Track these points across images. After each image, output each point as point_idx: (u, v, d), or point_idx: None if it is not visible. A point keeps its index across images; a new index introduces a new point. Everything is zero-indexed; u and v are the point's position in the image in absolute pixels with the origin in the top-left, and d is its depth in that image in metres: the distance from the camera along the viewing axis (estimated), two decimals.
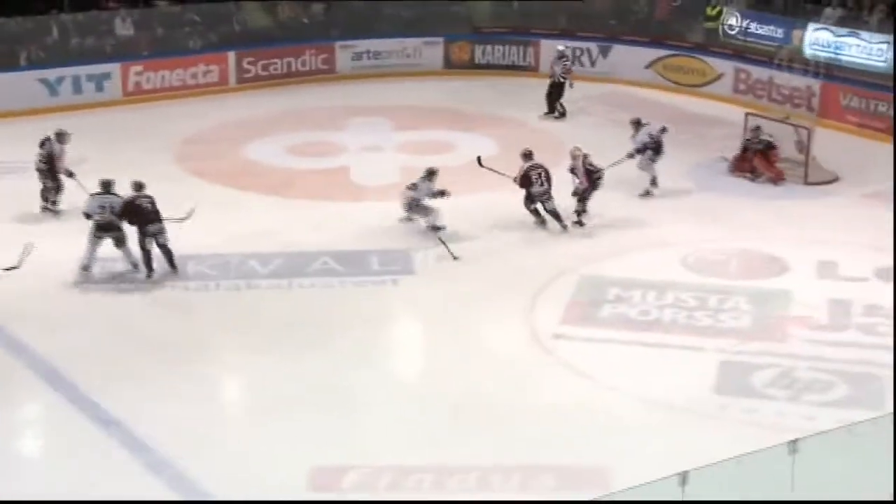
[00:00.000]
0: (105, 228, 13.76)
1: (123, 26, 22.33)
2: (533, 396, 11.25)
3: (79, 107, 20.57)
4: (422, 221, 15.15)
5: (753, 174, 17.37)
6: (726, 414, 10.94)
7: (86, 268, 13.77)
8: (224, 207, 16.08)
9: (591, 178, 15.39)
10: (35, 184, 15.81)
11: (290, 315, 12.98)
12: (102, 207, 13.82)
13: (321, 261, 14.31)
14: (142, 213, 13.76)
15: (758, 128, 17.66)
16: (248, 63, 22.58)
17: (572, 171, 15.56)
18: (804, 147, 17.48)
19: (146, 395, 11.08)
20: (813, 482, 8.23)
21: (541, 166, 15.39)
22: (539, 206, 15.39)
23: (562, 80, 20.80)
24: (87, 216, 13.85)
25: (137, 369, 11.59)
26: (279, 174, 17.73)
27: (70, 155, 16.01)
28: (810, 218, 15.96)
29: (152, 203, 13.84)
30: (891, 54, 19.71)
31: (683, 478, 7.72)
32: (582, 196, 15.44)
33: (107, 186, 14.02)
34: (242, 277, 13.89)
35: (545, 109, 20.85)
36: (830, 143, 18.12)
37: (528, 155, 15.58)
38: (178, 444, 10.21)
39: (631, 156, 16.57)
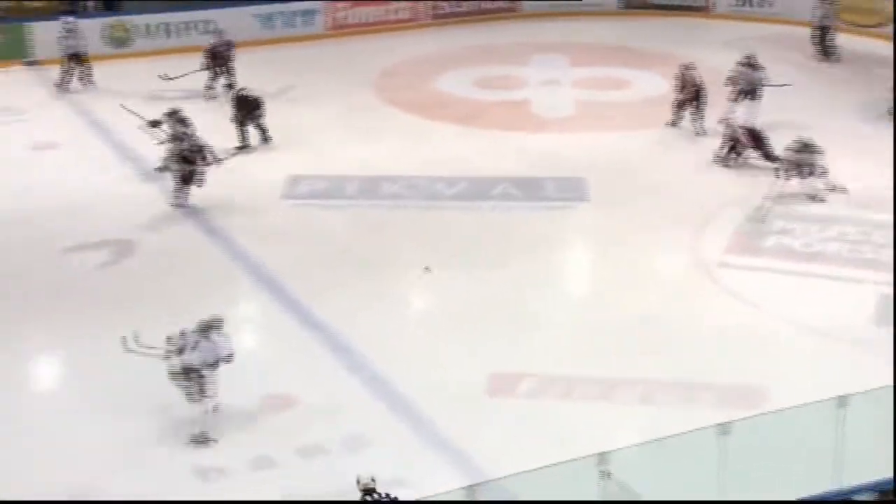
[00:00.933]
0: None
1: None
2: (697, 320, 11.14)
3: (289, 39, 21.08)
4: None
5: None
6: (883, 346, 10.54)
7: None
8: (416, 135, 16.33)
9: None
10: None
11: (473, 235, 13.14)
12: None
13: (502, 186, 14.39)
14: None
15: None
16: (440, 1, 22.59)
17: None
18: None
19: (348, 303, 11.45)
20: None
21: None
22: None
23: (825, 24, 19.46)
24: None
25: (339, 280, 11.98)
26: (466, 105, 17.80)
27: (279, 83, 16.41)
28: None
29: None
30: None
31: (841, 401, 7.56)
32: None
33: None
34: (430, 199, 14.11)
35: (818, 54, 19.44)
36: None
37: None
38: (374, 349, 10.55)
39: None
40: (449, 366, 10.32)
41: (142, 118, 14.59)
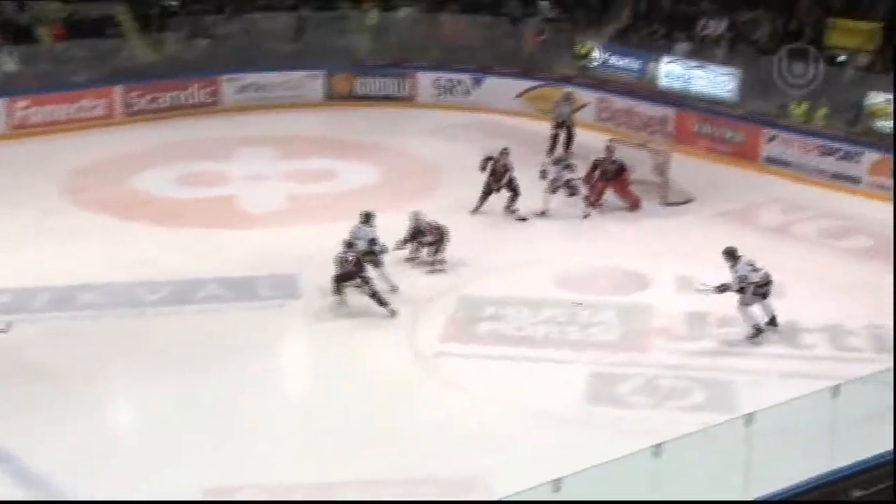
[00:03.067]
0: None
1: (9, 61, 21.67)
2: (416, 412, 11.30)
3: None
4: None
5: (598, 200, 17.21)
6: (596, 422, 11.14)
7: None
8: (113, 238, 15.76)
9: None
10: None
11: (180, 341, 12.75)
12: None
13: (210, 287, 14.12)
14: None
15: (610, 148, 17.68)
16: (135, 97, 22.15)
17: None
18: (663, 170, 17.94)
19: (39, 423, 10.73)
20: (676, 482, 8.47)
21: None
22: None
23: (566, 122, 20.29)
24: None
25: (29, 399, 11.22)
26: (167, 204, 17.42)
27: None
28: (669, 236, 16.38)
29: None
30: (734, 85, 20.43)
31: (557, 485, 7.85)
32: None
33: None
34: (132, 306, 13.60)
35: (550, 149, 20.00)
36: (684, 167, 18.64)
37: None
38: (72, 472, 9.91)
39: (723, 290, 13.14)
40: (159, 483, 9.85)
41: None
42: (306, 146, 20.76)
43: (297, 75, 23.63)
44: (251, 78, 23.30)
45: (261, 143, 20.68)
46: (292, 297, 13.97)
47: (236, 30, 24.15)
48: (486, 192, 16.80)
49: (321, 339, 13.05)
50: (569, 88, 21.30)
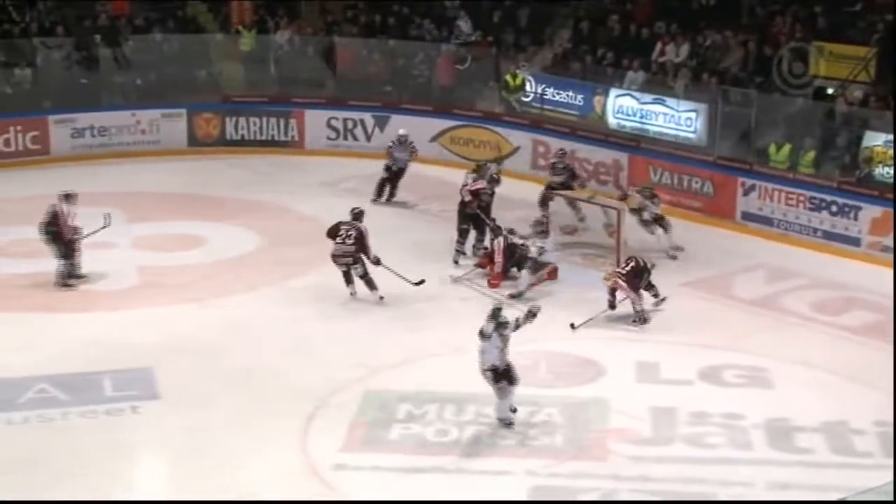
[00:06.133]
0: None
1: None
2: None
3: None
4: None
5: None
6: None
7: None
8: None
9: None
10: None
11: (2, 458, 12.42)
12: None
13: (37, 388, 13.86)
14: None
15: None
16: None
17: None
18: (614, 230, 18.14)
19: None
20: None
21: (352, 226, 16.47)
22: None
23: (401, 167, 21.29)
24: None
25: None
26: None
27: None
28: (624, 314, 16.51)
29: None
30: (700, 124, 20.93)
31: None
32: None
33: None
34: None
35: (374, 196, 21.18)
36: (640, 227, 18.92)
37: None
38: None
39: None
40: None
41: None
42: (163, 205, 20.68)
43: (149, 115, 23.52)
44: (89, 118, 23.12)
45: (103, 202, 20.41)
46: (147, 397, 13.79)
47: (69, 57, 23.99)
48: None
49: (187, 451, 12.79)
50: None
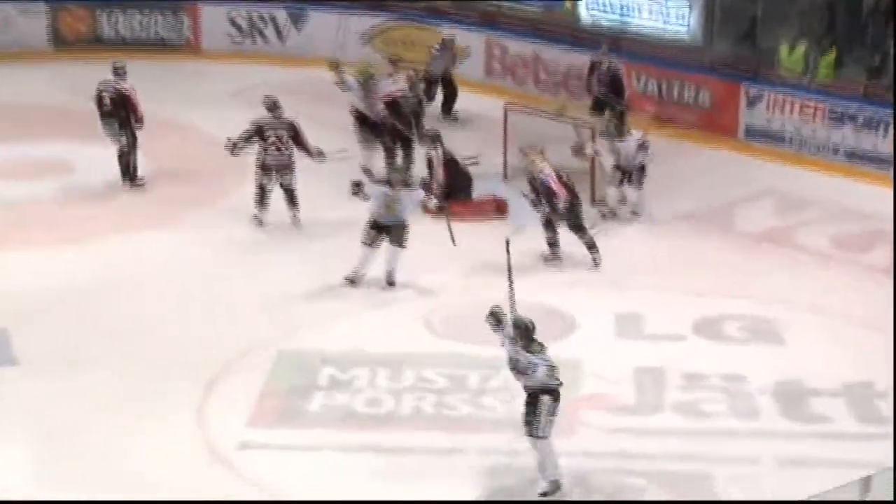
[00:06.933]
0: None
1: None
2: None
3: None
4: None
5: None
6: None
7: None
8: None
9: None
10: None
11: None
12: None
13: None
14: None
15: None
16: None
17: None
18: (587, 152, 18.07)
19: None
20: None
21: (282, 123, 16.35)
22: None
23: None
24: None
25: None
26: None
27: None
28: (607, 253, 16.51)
29: None
30: (693, 19, 20.92)
31: None
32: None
33: None
34: None
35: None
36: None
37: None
38: None
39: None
40: None
41: None
42: (21, 122, 20.57)
43: (1, 10, 23.33)
44: None
45: None
46: (3, 362, 13.73)
47: None
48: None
49: (60, 428, 12.76)
50: (445, 30, 21.52)
